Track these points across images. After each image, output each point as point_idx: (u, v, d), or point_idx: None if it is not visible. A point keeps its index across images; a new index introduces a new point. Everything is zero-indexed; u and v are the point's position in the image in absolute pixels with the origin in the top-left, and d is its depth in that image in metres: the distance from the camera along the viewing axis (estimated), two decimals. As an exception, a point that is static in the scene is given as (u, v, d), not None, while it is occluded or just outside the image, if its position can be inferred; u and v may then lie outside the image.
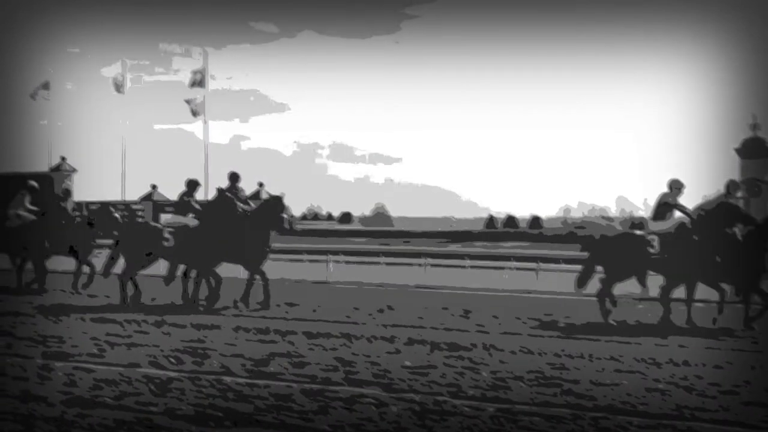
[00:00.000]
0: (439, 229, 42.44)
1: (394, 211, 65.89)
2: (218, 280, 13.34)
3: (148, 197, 29.84)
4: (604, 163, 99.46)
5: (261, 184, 28.43)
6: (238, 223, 13.39)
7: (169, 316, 11.83)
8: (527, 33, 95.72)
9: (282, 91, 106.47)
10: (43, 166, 31.99)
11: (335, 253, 20.98)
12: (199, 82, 30.13)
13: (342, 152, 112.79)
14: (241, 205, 13.65)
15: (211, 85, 30.53)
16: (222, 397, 6.84)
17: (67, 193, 16.80)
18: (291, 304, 13.20)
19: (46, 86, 32.10)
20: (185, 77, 30.36)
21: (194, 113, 30.47)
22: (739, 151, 19.74)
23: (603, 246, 12.72)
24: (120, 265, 14.20)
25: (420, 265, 19.68)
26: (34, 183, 16.87)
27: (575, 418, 6.28)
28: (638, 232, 12.65)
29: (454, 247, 29.50)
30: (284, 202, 13.38)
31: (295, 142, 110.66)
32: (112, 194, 32.05)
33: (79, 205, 16.45)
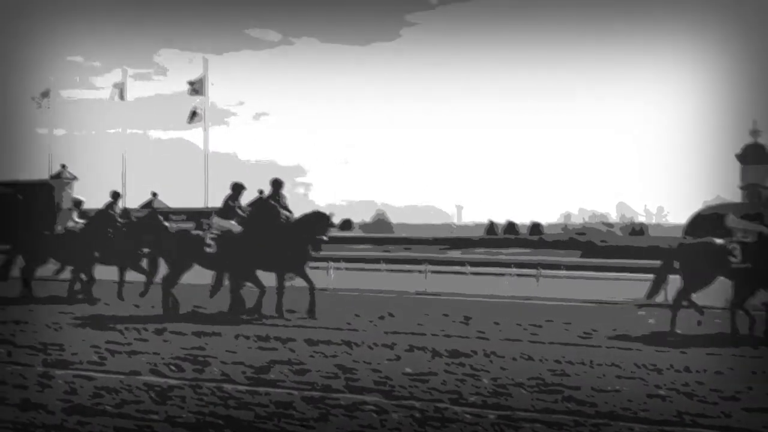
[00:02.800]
0: (440, 236, 42.44)
1: (394, 218, 65.92)
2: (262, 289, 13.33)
3: (148, 205, 29.89)
4: (604, 169, 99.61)
5: (261, 192, 28.39)
6: (280, 231, 13.27)
7: (170, 324, 11.82)
8: (527, 37, 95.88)
9: (280, 98, 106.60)
10: (43, 174, 32.07)
11: (336, 259, 20.95)
12: (198, 89, 30.20)
13: (341, 158, 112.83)
14: (285, 212, 13.49)
15: (211, 92, 30.51)
16: (223, 405, 6.83)
17: (116, 195, 16.35)
18: (291, 311, 13.18)
19: (46, 94, 32.21)
20: (185, 85, 30.34)
21: (191, 118, 30.48)
22: (739, 157, 19.80)
23: (681, 254, 12.33)
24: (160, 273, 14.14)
25: (420, 271, 19.65)
26: (80, 198, 16.93)
27: (576, 425, 6.28)
28: (718, 240, 11.98)
29: (454, 254, 29.52)
30: (329, 220, 13.33)
31: (293, 150, 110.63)
32: (112, 202, 32.07)
33: (125, 211, 16.22)
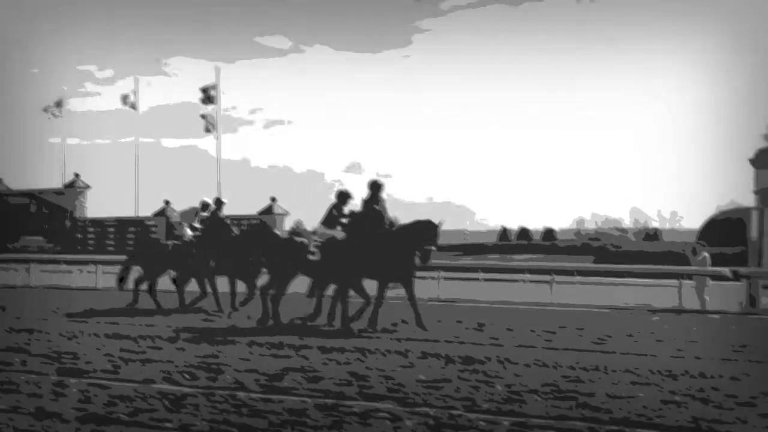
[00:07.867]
0: (453, 242, 42.38)
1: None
2: (366, 299, 12.98)
3: (161, 213, 29.98)
4: (617, 175, 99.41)
5: (273, 199, 28.51)
6: (385, 239, 12.70)
7: (183, 332, 11.86)
8: (538, 41, 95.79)
9: (292, 106, 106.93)
10: (56, 183, 32.27)
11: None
12: (210, 98, 30.36)
13: (353, 167, 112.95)
14: (389, 218, 12.88)
15: (223, 100, 30.67)
16: (236, 413, 6.83)
17: (219, 202, 16.02)
18: (304, 319, 13.18)
19: (59, 104, 32.48)
20: (197, 93, 30.51)
21: (207, 129, 30.69)
22: (753, 161, 19.67)
23: None
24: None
25: (433, 278, 19.64)
26: (207, 200, 16.24)
27: (591, 432, 6.25)
28: None
29: (467, 260, 29.47)
30: (437, 229, 12.47)
31: (305, 157, 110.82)
32: (125, 210, 32.31)
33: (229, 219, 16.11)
